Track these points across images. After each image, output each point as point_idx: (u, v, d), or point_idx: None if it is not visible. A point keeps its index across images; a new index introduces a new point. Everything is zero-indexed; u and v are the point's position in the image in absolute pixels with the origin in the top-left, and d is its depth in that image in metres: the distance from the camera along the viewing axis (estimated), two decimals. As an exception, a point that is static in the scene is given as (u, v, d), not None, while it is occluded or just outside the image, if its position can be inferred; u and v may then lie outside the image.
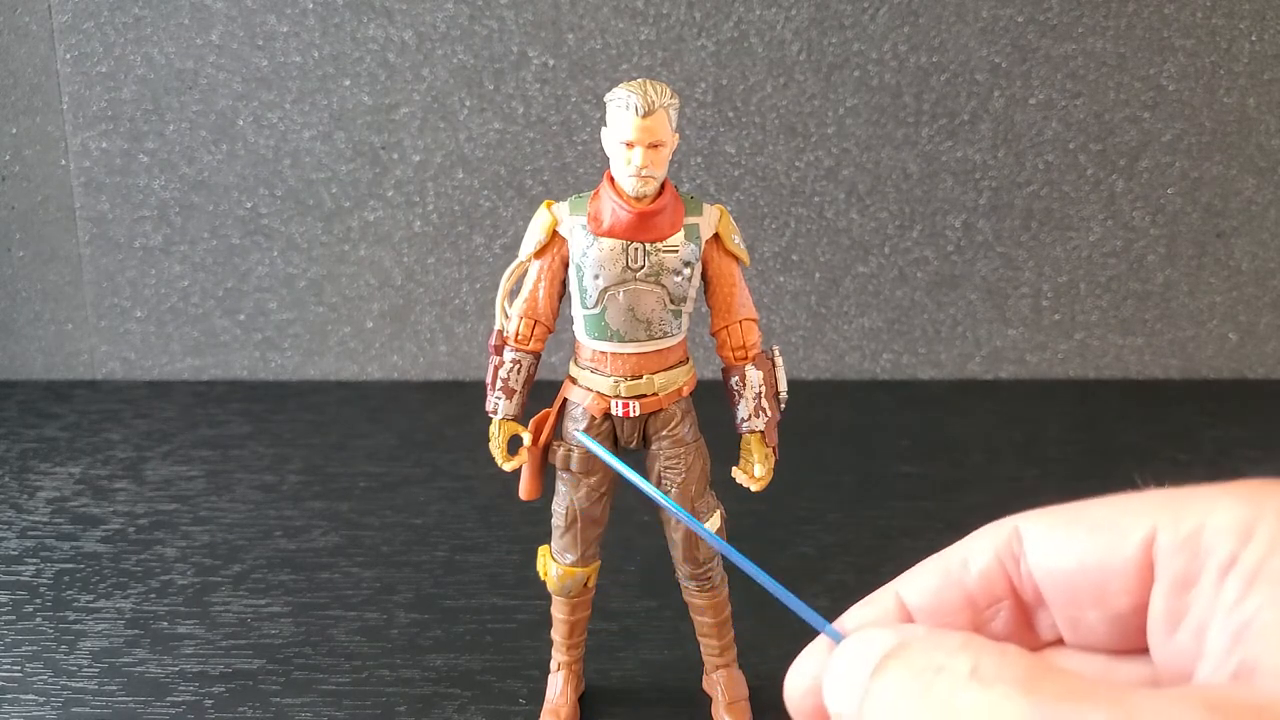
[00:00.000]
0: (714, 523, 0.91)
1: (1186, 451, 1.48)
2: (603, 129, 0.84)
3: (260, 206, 1.64)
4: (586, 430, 0.89)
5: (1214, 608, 0.30)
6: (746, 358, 0.89)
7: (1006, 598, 0.35)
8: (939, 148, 1.61)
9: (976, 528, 0.37)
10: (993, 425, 1.56)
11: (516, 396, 0.90)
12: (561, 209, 0.86)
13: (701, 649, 0.98)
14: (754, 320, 0.89)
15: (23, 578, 1.19)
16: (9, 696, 1.00)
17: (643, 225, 0.83)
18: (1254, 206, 1.65)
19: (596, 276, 0.84)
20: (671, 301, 0.85)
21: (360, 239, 1.65)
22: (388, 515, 1.32)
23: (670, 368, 0.88)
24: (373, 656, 1.05)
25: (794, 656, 0.37)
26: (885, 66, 1.57)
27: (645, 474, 0.91)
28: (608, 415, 0.88)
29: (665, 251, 0.84)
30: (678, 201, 0.86)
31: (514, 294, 0.89)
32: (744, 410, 0.89)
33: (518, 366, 0.89)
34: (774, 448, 0.90)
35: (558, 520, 0.92)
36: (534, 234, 0.87)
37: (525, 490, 0.92)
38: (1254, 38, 1.58)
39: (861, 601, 0.37)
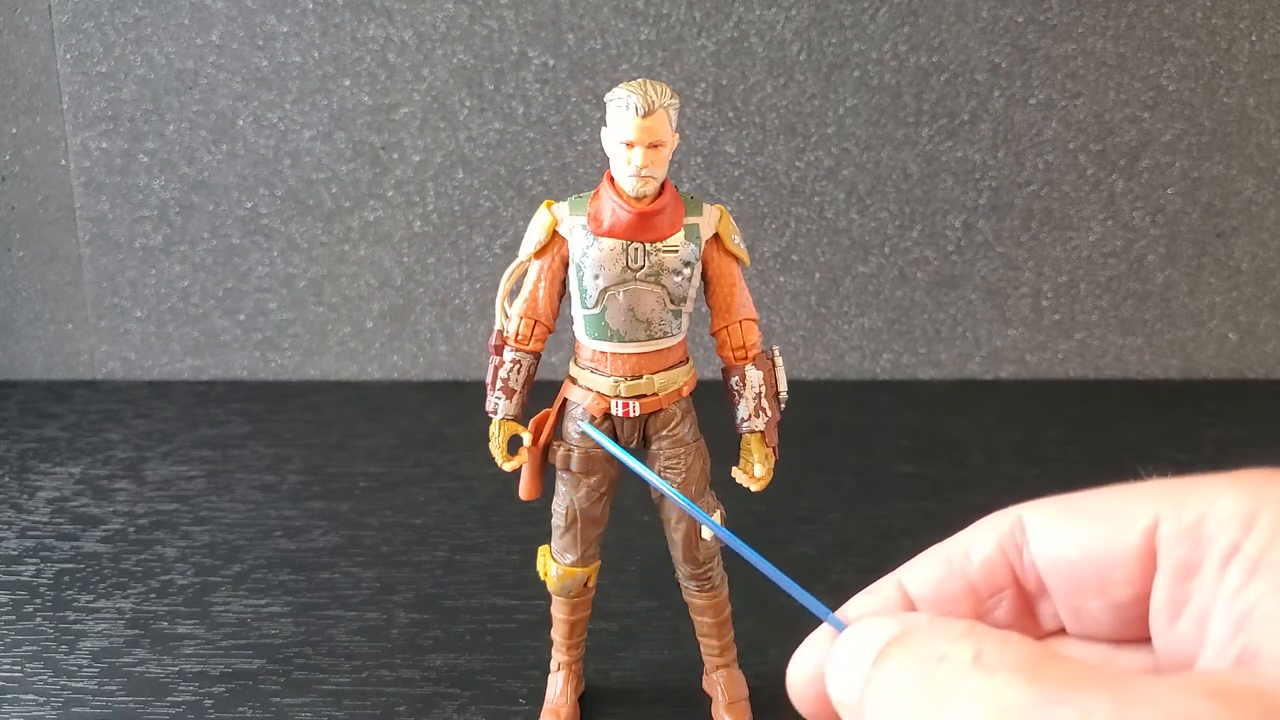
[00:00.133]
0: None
1: (1186, 451, 1.47)
2: (603, 129, 0.84)
3: (260, 206, 1.64)
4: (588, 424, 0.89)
5: (1216, 596, 0.31)
6: (746, 358, 0.89)
7: (1009, 587, 0.36)
8: (939, 148, 1.61)
9: None
10: (993, 425, 1.56)
11: (516, 396, 0.90)
12: (561, 209, 0.86)
13: (701, 649, 0.98)
14: (754, 320, 0.89)
15: (23, 578, 1.19)
16: (9, 696, 1.00)
17: (643, 225, 0.83)
18: (1254, 206, 1.65)
19: (596, 276, 0.84)
20: (671, 301, 0.85)
21: (360, 239, 1.65)
22: (388, 515, 1.32)
23: (670, 368, 0.88)
24: (373, 656, 1.05)
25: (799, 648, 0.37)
26: (885, 66, 1.57)
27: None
28: (608, 415, 0.88)
29: (665, 251, 0.84)
30: (678, 201, 0.86)
31: (514, 294, 0.89)
32: (744, 410, 0.89)
33: (518, 366, 0.89)
34: (774, 448, 0.90)
35: (558, 520, 0.92)
36: (534, 234, 0.87)
37: (525, 490, 0.92)
38: (1254, 38, 1.58)
39: (864, 590, 0.37)
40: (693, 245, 0.85)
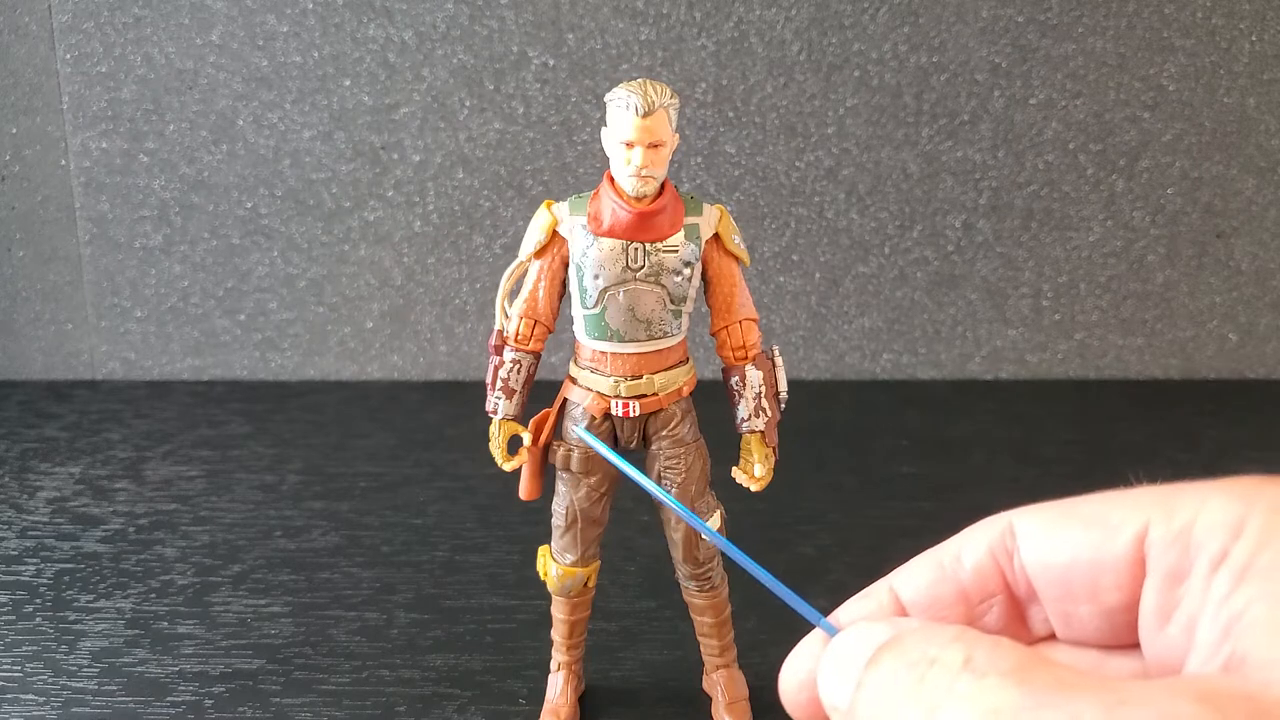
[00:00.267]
0: (714, 523, 0.91)
1: (1186, 451, 1.47)
2: (603, 129, 0.84)
3: (260, 206, 1.64)
4: (586, 430, 0.89)
5: (1204, 602, 0.31)
6: (746, 358, 0.89)
7: (1000, 592, 0.36)
8: (939, 148, 1.61)
9: None
10: (993, 425, 1.56)
11: (516, 396, 0.90)
12: (561, 209, 0.86)
13: (701, 649, 0.98)
14: (754, 320, 0.89)
15: (23, 578, 1.19)
16: (9, 696, 1.00)
17: (643, 225, 0.83)
18: (1254, 206, 1.65)
19: (596, 276, 0.84)
20: (671, 301, 0.85)
21: (360, 239, 1.65)
22: (388, 515, 1.32)
23: (670, 368, 0.88)
24: (373, 656, 1.05)
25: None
26: (885, 66, 1.57)
27: (645, 474, 0.91)
28: (608, 415, 0.88)
29: (665, 251, 0.84)
30: (678, 201, 0.86)
31: (514, 294, 0.89)
32: (744, 410, 0.89)
33: (518, 366, 0.89)
34: (774, 448, 0.90)
35: (558, 520, 0.92)
36: (534, 234, 0.87)
37: (525, 490, 0.92)
38: (1254, 38, 1.58)
39: (856, 595, 0.38)
40: (693, 245, 0.85)
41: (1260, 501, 0.31)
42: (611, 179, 0.84)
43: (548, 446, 0.91)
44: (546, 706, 0.97)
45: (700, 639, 0.98)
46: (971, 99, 1.59)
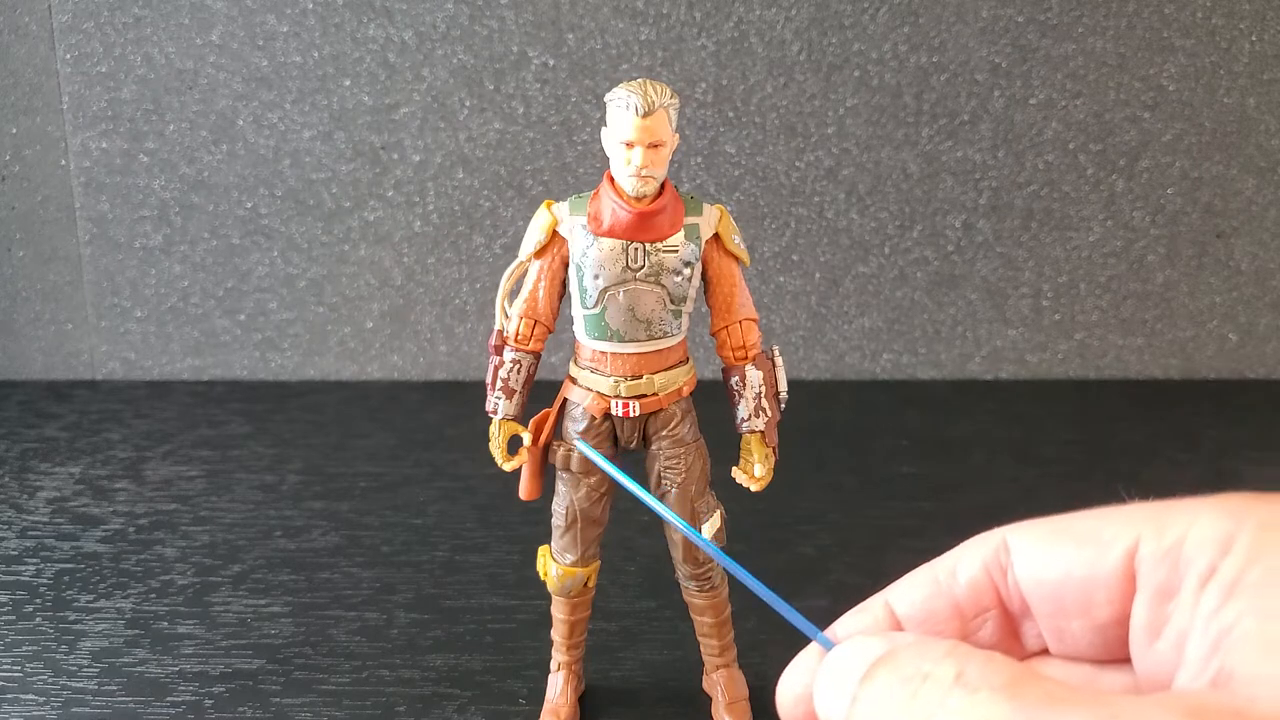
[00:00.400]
0: (714, 522, 0.90)
1: (1186, 451, 1.47)
2: (603, 129, 0.84)
3: (260, 206, 1.64)
4: (586, 430, 0.89)
5: (1194, 617, 0.31)
6: (746, 358, 0.89)
7: (993, 608, 0.36)
8: (939, 148, 1.61)
9: (976, 528, 0.37)
10: (993, 425, 1.56)
11: (516, 396, 0.90)
12: (561, 209, 0.86)
13: (701, 649, 0.98)
14: (754, 320, 0.89)
15: (23, 578, 1.19)
16: (9, 696, 1.00)
17: (643, 225, 0.83)
18: (1254, 206, 1.65)
19: (596, 276, 0.84)
20: (671, 301, 0.85)
21: (360, 239, 1.65)
22: (388, 515, 1.32)
23: (670, 368, 0.88)
24: (373, 656, 1.05)
25: (794, 657, 0.38)
26: (885, 66, 1.57)
27: (645, 474, 0.91)
28: (608, 415, 0.88)
29: (665, 251, 0.84)
30: (678, 201, 0.86)
31: (514, 294, 0.89)
32: (744, 410, 0.89)
33: (518, 366, 0.89)
34: (774, 448, 0.90)
35: (558, 520, 0.92)
36: (534, 234, 0.87)
37: (525, 490, 0.92)
38: (1254, 38, 1.58)
39: (852, 610, 0.38)
40: (693, 245, 0.85)
41: (1249, 518, 0.31)
42: (611, 179, 0.84)
43: (548, 446, 0.91)
44: (546, 706, 0.97)
45: (700, 639, 0.98)
46: (971, 99, 1.59)
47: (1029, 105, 1.59)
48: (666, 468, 0.89)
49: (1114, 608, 0.33)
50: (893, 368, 1.72)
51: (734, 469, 0.91)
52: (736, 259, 0.88)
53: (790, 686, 0.37)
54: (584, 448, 0.50)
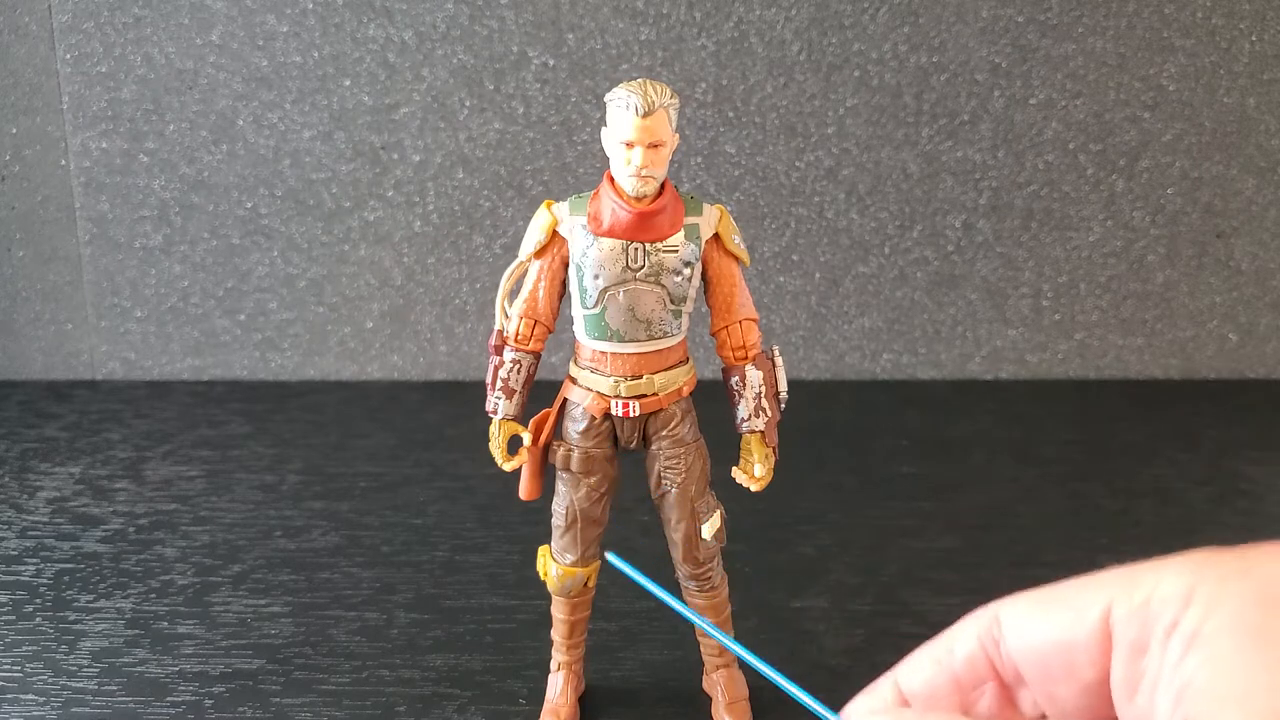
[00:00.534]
0: (714, 523, 0.90)
1: (1186, 451, 1.48)
2: (603, 129, 0.84)
3: (260, 206, 1.64)
4: (586, 430, 0.89)
5: (1161, 669, 0.33)
6: (746, 358, 0.89)
7: (990, 679, 0.38)
8: (939, 148, 1.61)
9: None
10: (993, 425, 1.56)
11: (516, 396, 0.90)
12: (561, 209, 0.86)
13: (701, 649, 0.98)
14: (754, 320, 0.89)
15: (23, 578, 1.19)
16: (9, 696, 1.00)
17: (643, 225, 0.83)
18: (1254, 206, 1.65)
19: (596, 276, 0.84)
20: (671, 301, 0.85)
21: (360, 239, 1.65)
22: (388, 515, 1.32)
23: (670, 368, 0.88)
24: (373, 656, 1.05)
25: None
26: (885, 66, 1.57)
27: (645, 474, 0.91)
28: (607, 415, 0.88)
29: (665, 251, 0.84)
30: (678, 201, 0.86)
31: (514, 294, 0.89)
32: (744, 410, 0.89)
33: (518, 366, 0.89)
34: (774, 448, 0.90)
35: (558, 520, 0.92)
36: (534, 234, 0.87)
37: (525, 490, 0.92)
38: (1254, 38, 1.58)
39: (863, 691, 0.41)
40: (693, 245, 0.85)
41: (1208, 572, 0.33)
42: (611, 179, 0.84)
43: (548, 446, 0.91)
44: (546, 706, 0.97)
45: (700, 639, 0.98)
46: (971, 99, 1.59)
47: (1029, 105, 1.59)
48: (666, 468, 0.89)
49: (1096, 668, 0.35)
50: (893, 368, 1.72)
51: (734, 469, 0.91)
52: (736, 259, 0.88)
53: None
54: (616, 561, 0.51)
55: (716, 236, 0.87)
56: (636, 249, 0.84)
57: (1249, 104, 1.60)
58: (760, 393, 0.88)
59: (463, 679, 1.02)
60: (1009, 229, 1.65)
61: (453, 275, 1.67)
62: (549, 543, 0.94)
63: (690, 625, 0.98)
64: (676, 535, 0.91)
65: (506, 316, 0.89)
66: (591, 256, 0.84)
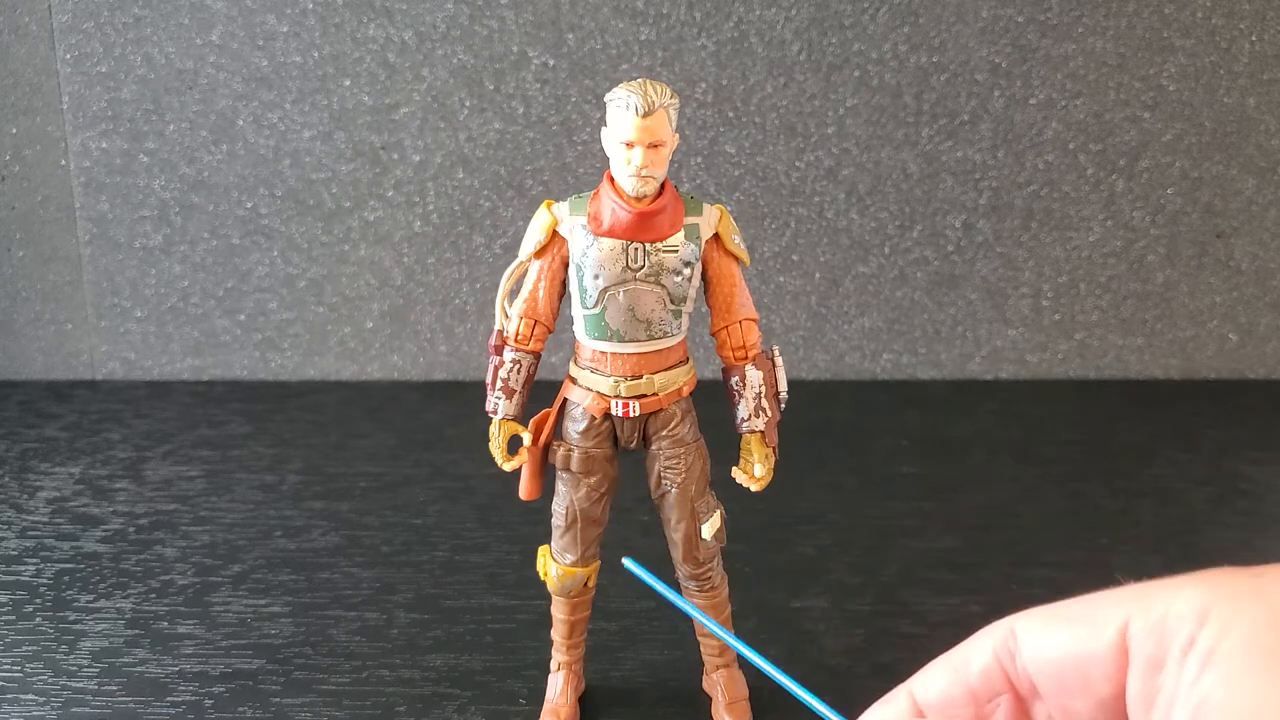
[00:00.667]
0: (714, 523, 0.90)
1: (1186, 451, 1.48)
2: (603, 129, 0.84)
3: (260, 206, 1.64)
4: (586, 430, 0.89)
5: (1178, 687, 0.34)
6: (746, 358, 0.89)
7: (1005, 691, 0.39)
8: (939, 148, 1.61)
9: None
10: (993, 425, 1.56)
11: (516, 396, 0.90)
12: (561, 209, 0.86)
13: (701, 649, 0.98)
14: (754, 320, 0.89)
15: (23, 578, 1.19)
16: (9, 696, 1.00)
17: (643, 225, 0.83)
18: (1254, 206, 1.65)
19: (596, 276, 0.84)
20: (671, 301, 0.85)
21: (360, 239, 1.65)
22: (388, 515, 1.32)
23: (670, 368, 0.88)
24: (373, 656, 1.05)
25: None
26: (885, 66, 1.57)
27: (645, 474, 0.91)
28: (607, 415, 0.88)
29: (665, 251, 0.84)
30: (678, 201, 0.86)
31: (514, 294, 0.89)
32: (744, 410, 0.89)
33: (518, 366, 0.89)
34: (774, 448, 0.90)
35: (558, 520, 0.92)
36: (534, 234, 0.87)
37: (525, 490, 0.92)
38: (1254, 38, 1.58)
39: (879, 701, 0.41)
40: (693, 245, 0.85)
41: (1223, 591, 0.34)
42: (611, 179, 0.84)
43: (548, 446, 0.91)
44: (546, 706, 0.97)
45: (700, 639, 0.98)
46: (971, 99, 1.59)
47: (1029, 105, 1.59)
48: (666, 468, 0.89)
49: (1112, 683, 0.36)
50: (893, 368, 1.72)
51: (734, 469, 0.91)
52: (736, 259, 0.88)
53: None
54: (632, 565, 0.51)
55: (716, 236, 0.87)
56: (636, 249, 0.84)
57: (1249, 104, 1.60)
58: (760, 393, 0.88)
59: (463, 679, 1.02)
60: (1009, 229, 1.65)
61: (453, 275, 1.67)
62: (549, 543, 0.94)
63: (691, 625, 0.98)
64: (676, 535, 0.91)
65: (506, 316, 0.89)
66: (591, 256, 0.84)
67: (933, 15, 1.55)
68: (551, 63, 1.57)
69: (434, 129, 1.60)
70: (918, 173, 1.62)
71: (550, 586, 0.95)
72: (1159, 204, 1.64)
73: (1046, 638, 0.37)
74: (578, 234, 0.85)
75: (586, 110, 1.59)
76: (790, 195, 1.63)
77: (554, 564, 0.94)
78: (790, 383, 0.93)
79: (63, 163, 1.63)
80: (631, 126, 0.81)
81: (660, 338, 0.86)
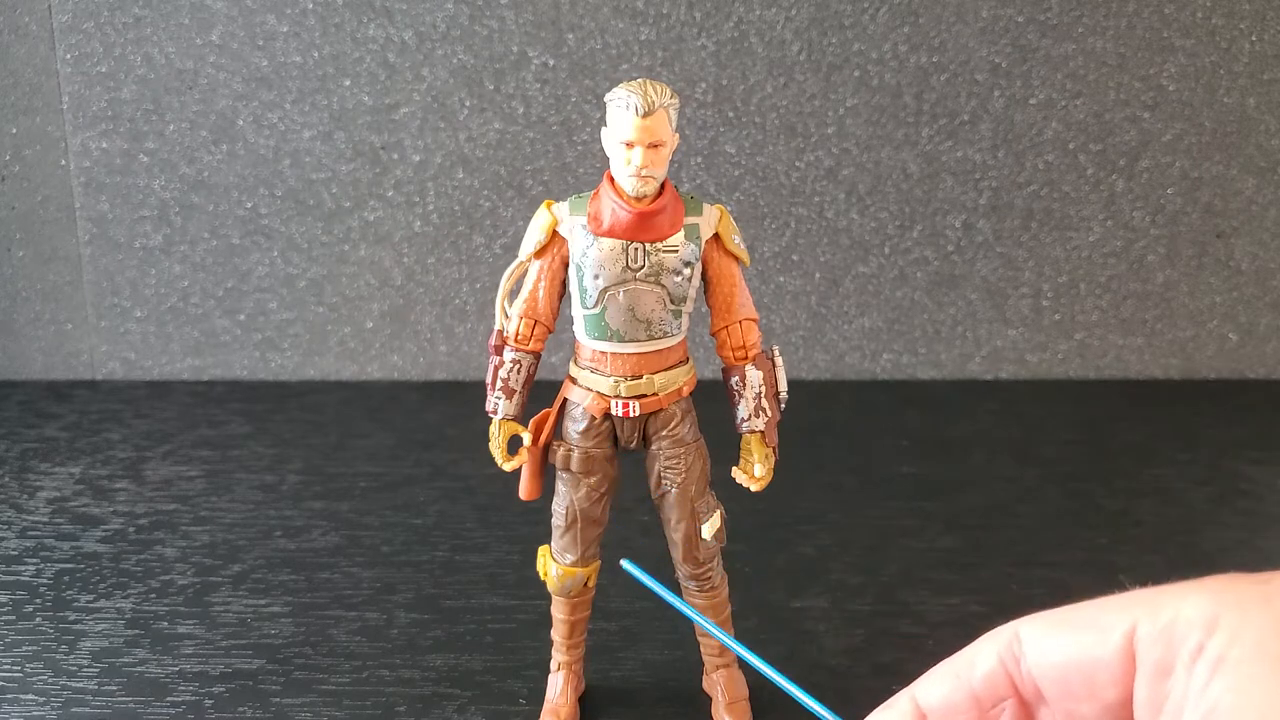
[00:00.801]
0: (714, 523, 0.90)
1: (1186, 451, 1.48)
2: (603, 129, 0.84)
3: (260, 206, 1.64)
4: (586, 430, 0.89)
5: (1187, 693, 0.34)
6: (746, 358, 0.89)
7: (1010, 696, 0.39)
8: (939, 148, 1.61)
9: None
10: (993, 425, 1.56)
11: (516, 396, 0.90)
12: (561, 209, 0.86)
13: (701, 649, 0.98)
14: (754, 320, 0.89)
15: (23, 578, 1.19)
16: (9, 696, 1.00)
17: (643, 225, 0.83)
18: (1254, 206, 1.65)
19: (596, 276, 0.84)
20: (671, 301, 0.85)
21: (360, 239, 1.65)
22: (388, 515, 1.32)
23: (670, 368, 0.88)
24: (373, 656, 1.05)
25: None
26: (885, 66, 1.57)
27: (645, 474, 0.91)
28: (607, 415, 0.88)
29: (665, 251, 0.84)
30: (678, 201, 0.86)
31: (514, 294, 0.89)
32: (744, 410, 0.89)
33: (518, 366, 0.89)
34: (774, 448, 0.90)
35: (558, 520, 0.92)
36: (534, 234, 0.87)
37: (525, 490, 0.92)
38: (1254, 38, 1.58)
39: (881, 706, 0.41)
40: (693, 245, 0.85)
41: (1231, 598, 0.34)
42: (611, 179, 0.84)
43: (548, 446, 0.91)
44: (546, 706, 0.97)
45: (700, 639, 0.98)
46: (971, 99, 1.59)
47: (1029, 105, 1.59)
48: (666, 468, 0.89)
49: (1119, 689, 0.36)
50: (893, 368, 1.72)
51: (734, 469, 0.91)
52: (736, 259, 0.88)
53: None
54: (630, 567, 0.51)
55: (716, 236, 0.87)
56: (636, 249, 0.84)
57: (1249, 104, 1.60)
58: (760, 393, 0.88)
59: (463, 679, 1.02)
60: (1009, 229, 1.65)
61: (453, 275, 1.67)
62: (549, 543, 0.94)
63: (691, 625, 0.98)
64: (676, 535, 0.91)
65: (506, 316, 0.89)
66: (591, 256, 0.84)
67: (933, 15, 1.55)
68: (551, 63, 1.57)
69: (434, 129, 1.60)
70: (918, 173, 1.62)
71: (550, 586, 0.95)
72: (1159, 204, 1.64)
73: (1052, 642, 0.37)
74: (578, 234, 0.85)
75: (586, 110, 1.59)
76: (790, 195, 1.63)
77: (554, 564, 0.94)
78: (790, 383, 0.93)
79: (63, 163, 1.63)
80: (631, 126, 0.81)
81: (660, 338, 0.86)
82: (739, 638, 0.98)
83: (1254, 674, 0.32)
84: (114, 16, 1.56)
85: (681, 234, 0.85)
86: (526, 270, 0.88)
